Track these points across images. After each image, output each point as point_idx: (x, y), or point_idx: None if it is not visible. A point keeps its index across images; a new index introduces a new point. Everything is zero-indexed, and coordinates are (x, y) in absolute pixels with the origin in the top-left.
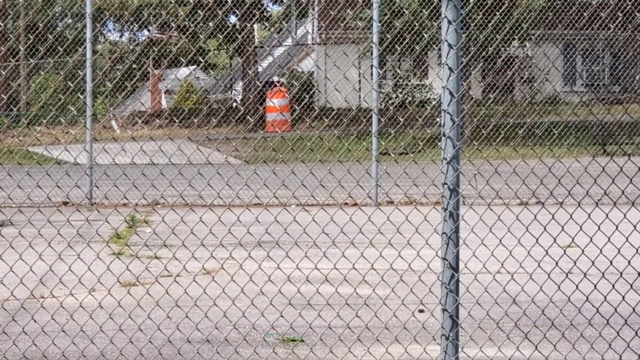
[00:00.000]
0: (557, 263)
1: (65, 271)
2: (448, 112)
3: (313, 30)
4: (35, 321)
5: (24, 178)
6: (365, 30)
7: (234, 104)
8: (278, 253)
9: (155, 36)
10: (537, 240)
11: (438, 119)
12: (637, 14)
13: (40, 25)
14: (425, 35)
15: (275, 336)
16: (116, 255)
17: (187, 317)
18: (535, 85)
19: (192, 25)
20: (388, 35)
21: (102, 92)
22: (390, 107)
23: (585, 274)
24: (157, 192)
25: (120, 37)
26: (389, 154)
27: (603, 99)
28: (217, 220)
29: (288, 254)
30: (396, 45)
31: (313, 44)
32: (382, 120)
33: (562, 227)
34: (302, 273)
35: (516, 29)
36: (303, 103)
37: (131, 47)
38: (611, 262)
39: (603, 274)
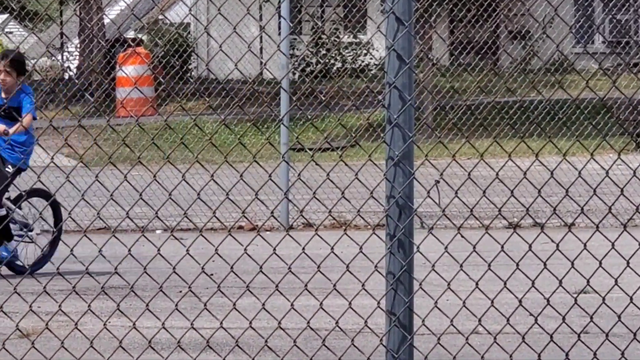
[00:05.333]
0: (564, 318)
1: None
2: (395, 87)
3: None
4: None
5: None
6: None
7: (66, 74)
8: (134, 304)
9: None
10: (533, 282)
11: (381, 97)
12: None
13: None
14: None
15: None
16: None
17: None
18: (531, 44)
19: None
20: None
21: None
22: (307, 79)
23: (607, 335)
24: None
25: None
26: (306, 151)
27: (635, 65)
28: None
29: (149, 306)
30: None
31: None
32: (295, 98)
33: (572, 263)
34: (170, 335)
35: None
36: (172, 72)
37: None
38: None
39: (635, 334)
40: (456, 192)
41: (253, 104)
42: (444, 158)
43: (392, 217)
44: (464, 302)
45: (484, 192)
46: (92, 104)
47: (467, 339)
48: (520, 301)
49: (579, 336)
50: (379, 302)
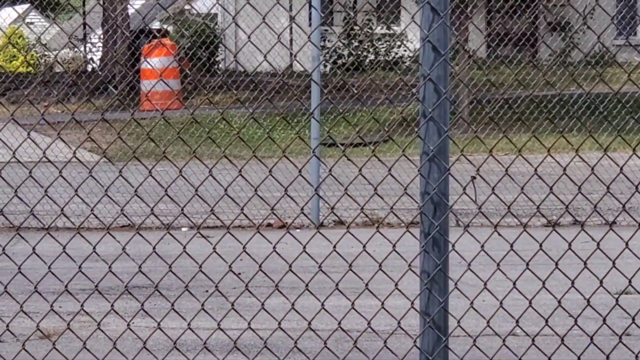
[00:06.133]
0: (604, 319)
1: None
2: (430, 79)
3: None
4: None
5: None
6: None
7: (89, 66)
8: (159, 304)
9: None
10: (572, 282)
11: (415, 90)
12: None
13: None
14: None
15: None
16: None
17: None
18: (571, 35)
19: None
20: None
21: None
22: (339, 71)
23: None
24: None
25: None
26: (337, 146)
27: None
28: (60, 252)
29: (174, 306)
30: None
31: None
32: (326, 91)
33: (614, 262)
34: (197, 336)
35: None
36: (199, 65)
37: None
38: None
39: None
40: (493, 189)
41: (282, 98)
42: (480, 153)
43: (427, 214)
44: (500, 303)
45: (522, 188)
46: (115, 97)
47: (504, 340)
48: (559, 302)
49: (620, 338)
50: (412, 303)
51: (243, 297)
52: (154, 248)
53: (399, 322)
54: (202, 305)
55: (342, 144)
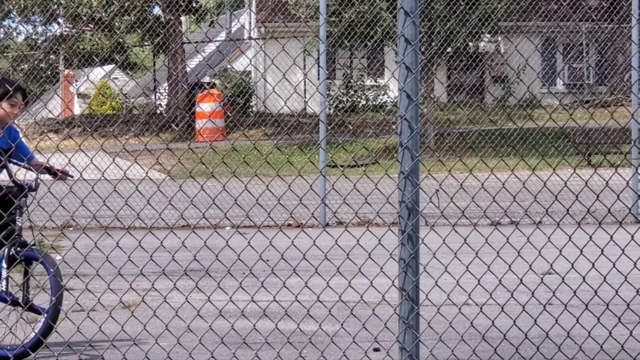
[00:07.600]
0: (533, 293)
1: None
2: (406, 119)
3: (250, 22)
4: None
5: None
6: (309, 18)
7: (158, 110)
8: (208, 283)
9: (66, 30)
10: (510, 266)
11: (394, 126)
12: (624, 2)
13: None
14: (379, 29)
15: None
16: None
17: (102, 358)
18: (508, 85)
19: (108, 17)
20: (336, 29)
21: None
22: (339, 113)
23: (565, 306)
24: (67, 213)
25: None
26: (338, 167)
27: (587, 102)
28: (137, 246)
29: (220, 285)
30: (345, 40)
31: (249, 39)
32: (330, 127)
33: (539, 252)
34: (236, 306)
35: (485, 20)
36: (237, 108)
37: (37, 43)
38: (596, 292)
39: (587, 305)
40: (451, 198)
41: (298, 132)
42: (442, 172)
43: (403, 217)
44: (457, 281)
45: (473, 198)
46: (177, 132)
47: (459, 309)
48: (500, 280)
49: (544, 307)
50: (393, 281)
51: (270, 278)
52: (205, 242)
53: (383, 296)
54: (240, 284)
55: (341, 166)
